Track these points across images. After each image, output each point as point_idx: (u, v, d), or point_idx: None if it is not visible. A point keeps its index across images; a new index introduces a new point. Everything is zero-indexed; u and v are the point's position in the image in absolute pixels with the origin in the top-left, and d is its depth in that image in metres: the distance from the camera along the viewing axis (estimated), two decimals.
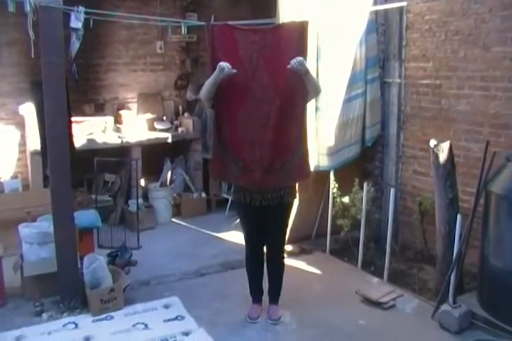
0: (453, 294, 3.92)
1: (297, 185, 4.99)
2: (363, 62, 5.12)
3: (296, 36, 3.68)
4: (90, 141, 6.10)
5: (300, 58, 3.53)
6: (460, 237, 3.94)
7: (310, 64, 3.94)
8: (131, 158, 6.17)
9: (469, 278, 4.36)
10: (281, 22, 4.50)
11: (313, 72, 4.64)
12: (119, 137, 6.29)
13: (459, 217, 3.96)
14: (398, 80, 5.28)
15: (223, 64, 3.54)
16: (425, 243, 4.96)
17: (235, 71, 3.55)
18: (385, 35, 5.37)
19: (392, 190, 4.70)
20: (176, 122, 6.93)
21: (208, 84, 3.66)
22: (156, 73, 7.09)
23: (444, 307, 3.87)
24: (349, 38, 4.94)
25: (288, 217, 4.00)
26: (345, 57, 4.95)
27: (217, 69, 3.56)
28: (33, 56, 3.84)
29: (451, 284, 3.97)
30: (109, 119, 6.54)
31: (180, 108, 7.18)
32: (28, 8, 3.70)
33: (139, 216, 5.79)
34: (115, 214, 6.21)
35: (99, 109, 6.71)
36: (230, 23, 3.77)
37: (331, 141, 5.01)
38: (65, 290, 4.18)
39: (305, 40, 3.70)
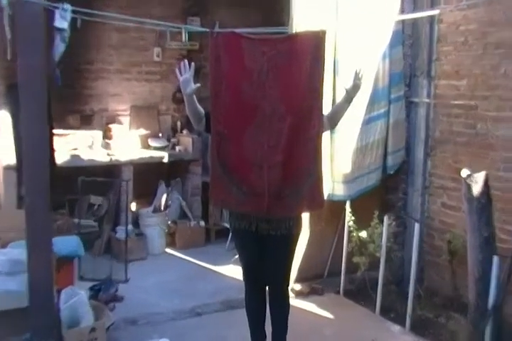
0: None
1: (308, 215, 5.00)
2: (387, 79, 5.11)
3: (312, 47, 3.66)
4: (74, 157, 6.11)
5: (359, 84, 3.73)
6: (497, 282, 3.85)
7: (326, 79, 3.92)
8: (121, 179, 6.16)
9: (509, 331, 4.19)
10: (294, 31, 4.50)
11: (329, 88, 4.69)
12: (107, 154, 6.30)
13: (495, 258, 3.86)
14: (426, 100, 5.25)
15: (181, 77, 3.60)
16: (455, 288, 4.88)
17: (199, 85, 3.59)
18: (412, 49, 5.35)
19: (417, 226, 4.65)
20: (173, 140, 6.96)
21: (186, 104, 3.72)
22: (152, 83, 7.12)
23: None
24: (371, 50, 4.94)
25: (294, 250, 3.96)
26: (366, 72, 4.91)
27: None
28: (8, 58, 3.78)
29: (485, 338, 3.86)
30: (97, 133, 6.56)
31: (179, 124, 7.19)
32: (4, 0, 3.58)
33: (128, 245, 5.78)
34: (100, 241, 6.18)
35: (85, 122, 6.72)
36: (236, 30, 3.75)
37: (347, 167, 4.99)
38: (37, 329, 4.06)
39: (322, 52, 3.67)
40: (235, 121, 3.70)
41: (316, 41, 3.67)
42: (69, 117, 6.55)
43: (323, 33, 3.67)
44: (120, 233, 6.03)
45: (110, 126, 6.75)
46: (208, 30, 3.78)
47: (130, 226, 6.10)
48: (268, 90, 3.62)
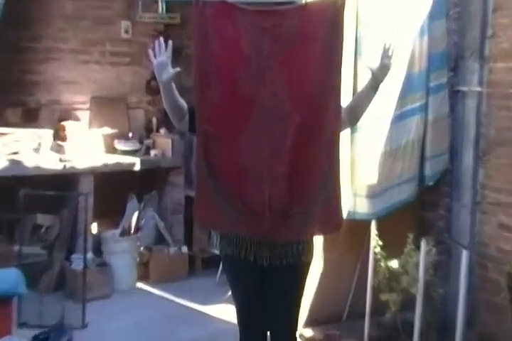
0: None
1: (322, 239, 5.04)
2: (425, 62, 5.14)
3: (327, 21, 3.67)
4: (14, 163, 6.12)
5: (389, 64, 3.74)
6: None
7: (345, 62, 3.96)
8: (79, 192, 6.19)
9: None
10: (305, 0, 4.53)
11: (349, 74, 4.73)
12: (60, 160, 6.31)
13: None
14: (478, 89, 5.25)
15: (155, 60, 3.63)
16: None
17: (178, 69, 3.63)
18: (459, 21, 5.36)
19: (465, 253, 4.64)
20: (147, 141, 7.01)
21: (163, 96, 3.75)
22: (120, 68, 7.18)
23: None
24: (404, 24, 4.95)
25: (304, 285, 3.98)
26: (397, 51, 4.91)
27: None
28: None
29: None
30: (46, 133, 6.58)
31: (155, 121, 7.25)
32: None
33: (87, 278, 5.77)
34: (50, 275, 6.19)
35: (30, 117, 6.76)
36: None
37: (373, 177, 5.01)
38: None
39: (340, 27, 3.69)
40: (227, 118, 3.70)
41: (332, 13, 3.66)
42: (7, 111, 6.58)
43: (342, 1, 3.66)
44: (76, 263, 6.03)
45: (63, 123, 6.75)
46: None
47: (90, 254, 6.12)
48: (270, 78, 3.62)
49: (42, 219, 6.46)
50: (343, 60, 3.74)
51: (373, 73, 3.74)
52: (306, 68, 3.67)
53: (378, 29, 4.80)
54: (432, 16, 5.13)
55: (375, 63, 3.74)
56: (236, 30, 3.67)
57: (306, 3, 4.00)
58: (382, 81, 3.76)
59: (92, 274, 5.98)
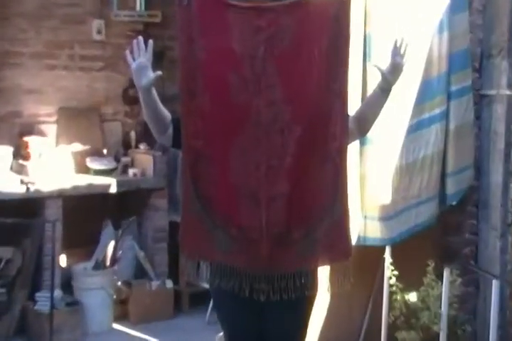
0: None
1: (329, 269, 5.07)
2: (444, 62, 5.17)
3: (331, 18, 3.71)
4: None
5: (401, 64, 3.76)
6: None
7: (352, 65, 4.00)
8: (44, 219, 6.20)
9: None
10: None
11: (357, 79, 4.76)
12: (22, 182, 6.30)
13: None
14: (507, 92, 5.25)
15: (134, 63, 3.64)
16: None
17: (159, 73, 3.64)
18: (484, 15, 5.42)
19: (496, 283, 4.66)
20: (124, 159, 7.04)
21: (142, 105, 3.78)
22: (92, 74, 7.20)
23: None
24: (420, 20, 4.99)
25: (307, 322, 4.01)
26: (412, 52, 4.78)
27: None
28: None
29: None
30: (5, 151, 6.59)
31: (133, 135, 7.29)
32: None
33: (55, 320, 5.77)
34: (10, 317, 6.17)
35: None
36: None
37: (386, 197, 5.01)
38: None
39: (345, 26, 3.74)
40: (217, 130, 3.73)
41: (336, 9, 3.70)
42: None
43: None
44: (42, 303, 6.04)
45: (26, 139, 6.76)
46: None
47: (58, 292, 6.12)
48: (265, 84, 3.64)
49: (1, 251, 6.41)
50: (349, 62, 3.79)
51: (383, 74, 3.77)
52: (307, 72, 3.70)
53: (390, 26, 4.82)
54: (453, 9, 5.15)
55: (386, 63, 3.78)
56: (226, 29, 3.69)
57: None
58: (393, 83, 3.80)
59: (60, 315, 5.97)
